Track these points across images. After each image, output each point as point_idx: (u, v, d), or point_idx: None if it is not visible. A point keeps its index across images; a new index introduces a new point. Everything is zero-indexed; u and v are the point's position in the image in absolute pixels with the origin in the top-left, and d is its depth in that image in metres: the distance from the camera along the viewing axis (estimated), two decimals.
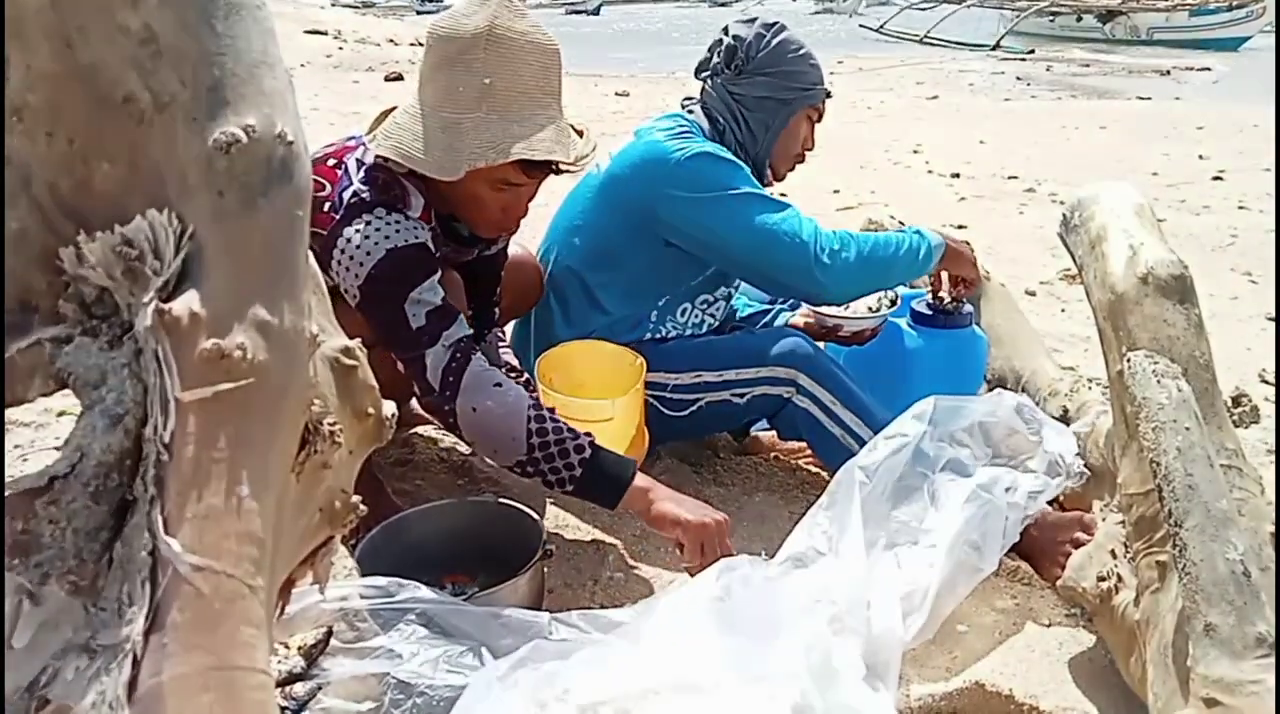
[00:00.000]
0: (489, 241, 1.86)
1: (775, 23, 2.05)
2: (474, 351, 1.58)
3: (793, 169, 2.16)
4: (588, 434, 1.58)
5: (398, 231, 1.57)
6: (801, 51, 2.04)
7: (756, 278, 2.02)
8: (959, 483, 1.60)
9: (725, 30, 2.07)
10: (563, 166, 1.60)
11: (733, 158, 1.95)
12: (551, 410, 1.59)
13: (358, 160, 1.66)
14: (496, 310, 2.00)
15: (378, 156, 1.61)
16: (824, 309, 2.09)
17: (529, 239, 2.20)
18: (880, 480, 1.59)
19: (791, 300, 2.27)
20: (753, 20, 2.06)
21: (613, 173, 2.00)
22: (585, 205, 2.07)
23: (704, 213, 1.89)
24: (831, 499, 1.58)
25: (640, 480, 1.60)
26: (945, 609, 1.48)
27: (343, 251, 1.56)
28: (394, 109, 1.66)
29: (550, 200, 2.25)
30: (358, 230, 1.56)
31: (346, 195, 1.61)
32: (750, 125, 2.04)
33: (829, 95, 2.10)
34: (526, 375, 2.02)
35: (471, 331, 1.62)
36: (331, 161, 1.68)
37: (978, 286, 2.13)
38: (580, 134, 1.66)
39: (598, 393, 1.74)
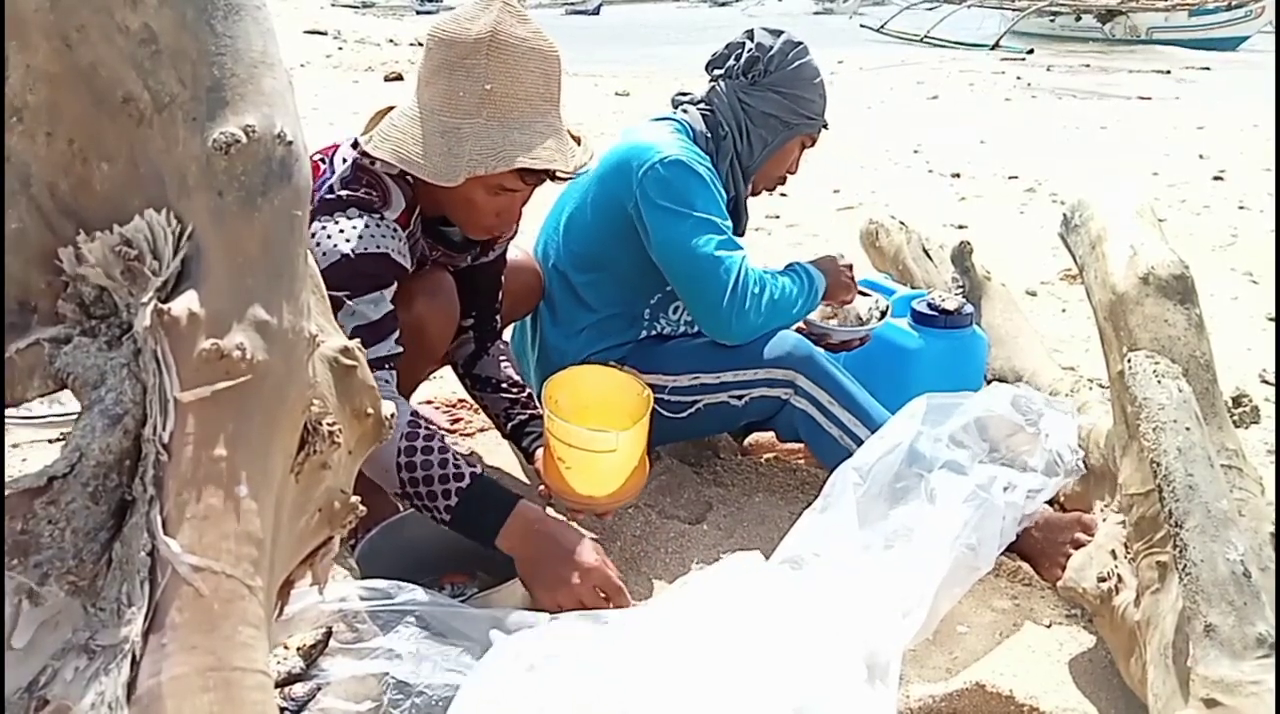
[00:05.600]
0: (484, 246, 1.85)
1: (800, 42, 2.04)
2: (378, 373, 1.51)
3: (772, 190, 2.16)
4: (471, 466, 1.52)
5: (361, 237, 1.53)
6: (817, 79, 2.05)
7: (681, 298, 2.00)
8: (956, 482, 1.60)
9: (750, 34, 2.05)
10: (559, 174, 1.58)
11: (708, 172, 1.93)
12: (433, 438, 1.51)
13: (343, 157, 1.63)
14: (498, 319, 1.99)
15: (362, 152, 1.59)
16: (813, 317, 2.10)
17: (526, 242, 2.20)
18: (876, 481, 1.59)
19: None
20: (779, 33, 2.05)
21: (599, 174, 2.00)
22: (573, 206, 2.07)
23: (659, 221, 1.89)
24: (826, 501, 1.58)
25: (514, 531, 1.49)
26: (943, 609, 1.48)
27: None
28: (390, 109, 1.64)
29: (545, 200, 2.25)
30: (323, 227, 1.54)
31: (324, 191, 1.59)
32: (751, 138, 2.04)
33: (825, 127, 2.11)
34: (529, 389, 2.01)
35: (397, 353, 1.56)
36: (318, 156, 1.66)
37: (853, 299, 2.13)
38: (578, 141, 1.64)
39: (602, 418, 1.73)
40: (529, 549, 1.49)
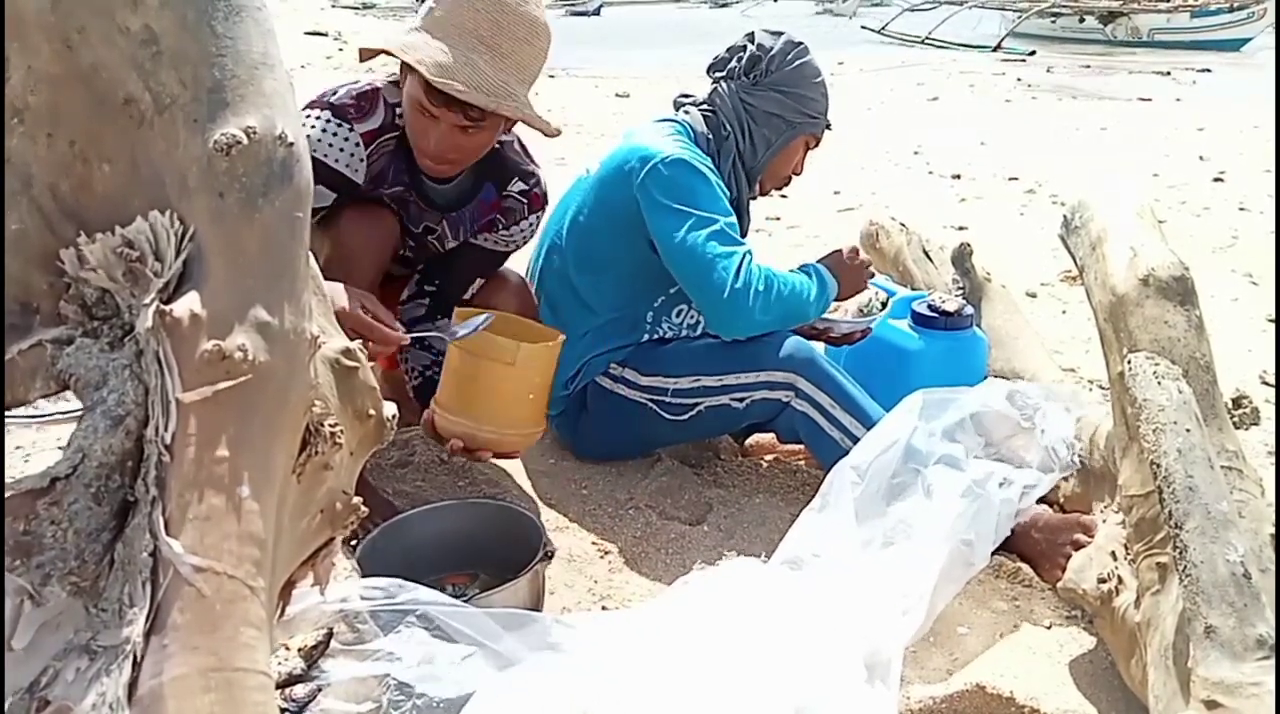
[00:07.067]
0: (478, 228, 1.91)
1: (801, 42, 2.06)
2: None
3: (779, 188, 2.18)
4: None
5: (307, 137, 1.60)
6: (818, 79, 2.07)
7: (688, 295, 2.00)
8: (953, 478, 1.61)
9: (750, 36, 2.07)
10: (472, 114, 1.63)
11: (710, 171, 1.95)
12: None
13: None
14: (459, 301, 2.00)
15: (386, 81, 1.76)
16: None
17: (528, 244, 2.20)
18: (873, 479, 1.60)
19: None
20: (779, 33, 2.07)
21: (600, 176, 2.01)
22: (574, 209, 2.08)
23: (663, 218, 1.90)
24: (824, 500, 1.58)
25: None
26: (940, 606, 1.49)
27: None
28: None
29: (550, 202, 2.25)
30: None
31: (328, 93, 1.76)
32: (754, 138, 2.05)
33: (829, 127, 2.12)
34: None
35: None
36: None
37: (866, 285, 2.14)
38: (539, 115, 1.69)
39: None
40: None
